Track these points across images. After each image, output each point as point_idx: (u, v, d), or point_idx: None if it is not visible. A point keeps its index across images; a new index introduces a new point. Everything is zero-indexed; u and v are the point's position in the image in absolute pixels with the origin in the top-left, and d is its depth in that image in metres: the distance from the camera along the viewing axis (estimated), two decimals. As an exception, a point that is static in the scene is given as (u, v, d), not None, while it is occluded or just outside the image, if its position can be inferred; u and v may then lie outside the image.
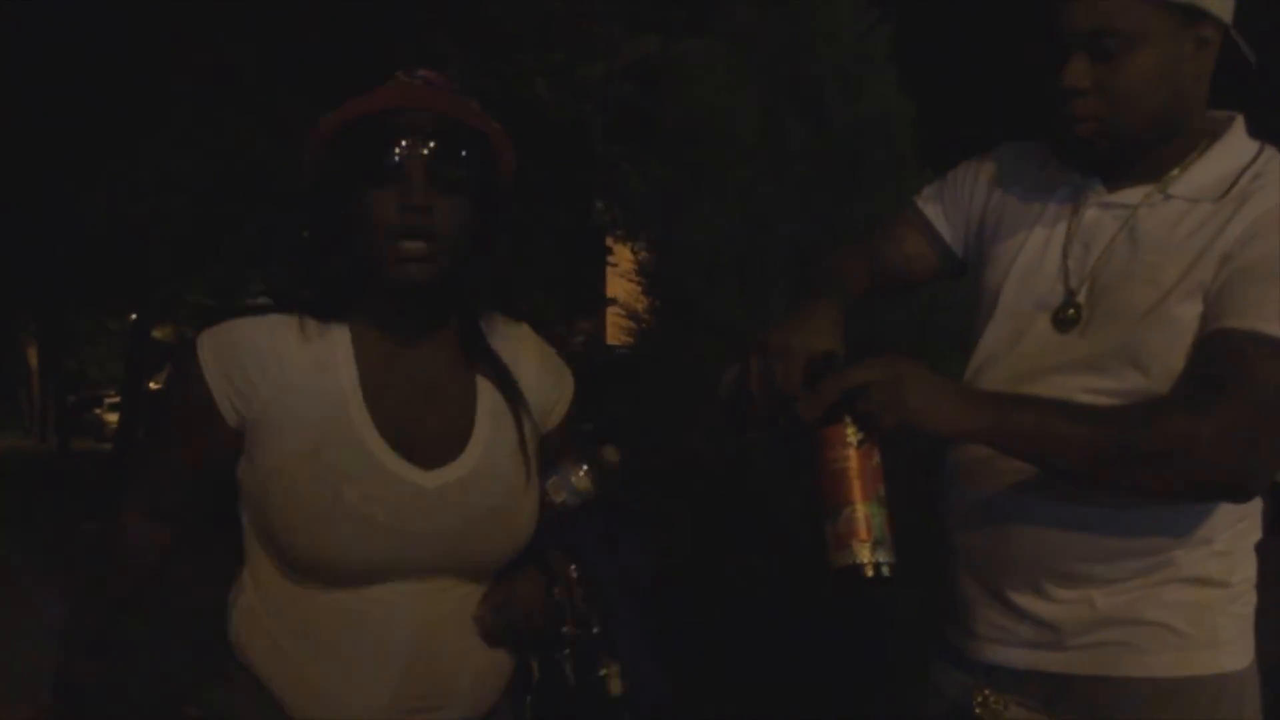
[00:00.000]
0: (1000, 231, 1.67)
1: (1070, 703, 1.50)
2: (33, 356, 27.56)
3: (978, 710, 1.56)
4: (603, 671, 1.59)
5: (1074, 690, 1.50)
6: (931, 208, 1.78)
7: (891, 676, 2.82)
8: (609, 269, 20.11)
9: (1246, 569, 1.53)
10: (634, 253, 3.50)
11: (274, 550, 1.55)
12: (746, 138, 3.23)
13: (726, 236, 3.18)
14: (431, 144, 1.49)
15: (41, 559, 9.70)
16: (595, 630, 1.60)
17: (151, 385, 22.73)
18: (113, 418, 30.06)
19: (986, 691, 1.56)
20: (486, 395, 1.62)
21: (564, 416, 1.73)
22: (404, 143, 1.48)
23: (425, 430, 1.55)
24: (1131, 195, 1.53)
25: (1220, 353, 1.39)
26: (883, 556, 1.32)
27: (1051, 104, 1.52)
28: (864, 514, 1.33)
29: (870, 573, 1.32)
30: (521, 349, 1.69)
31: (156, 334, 23.12)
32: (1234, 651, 1.49)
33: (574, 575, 1.62)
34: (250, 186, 7.54)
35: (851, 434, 1.35)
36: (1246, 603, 1.53)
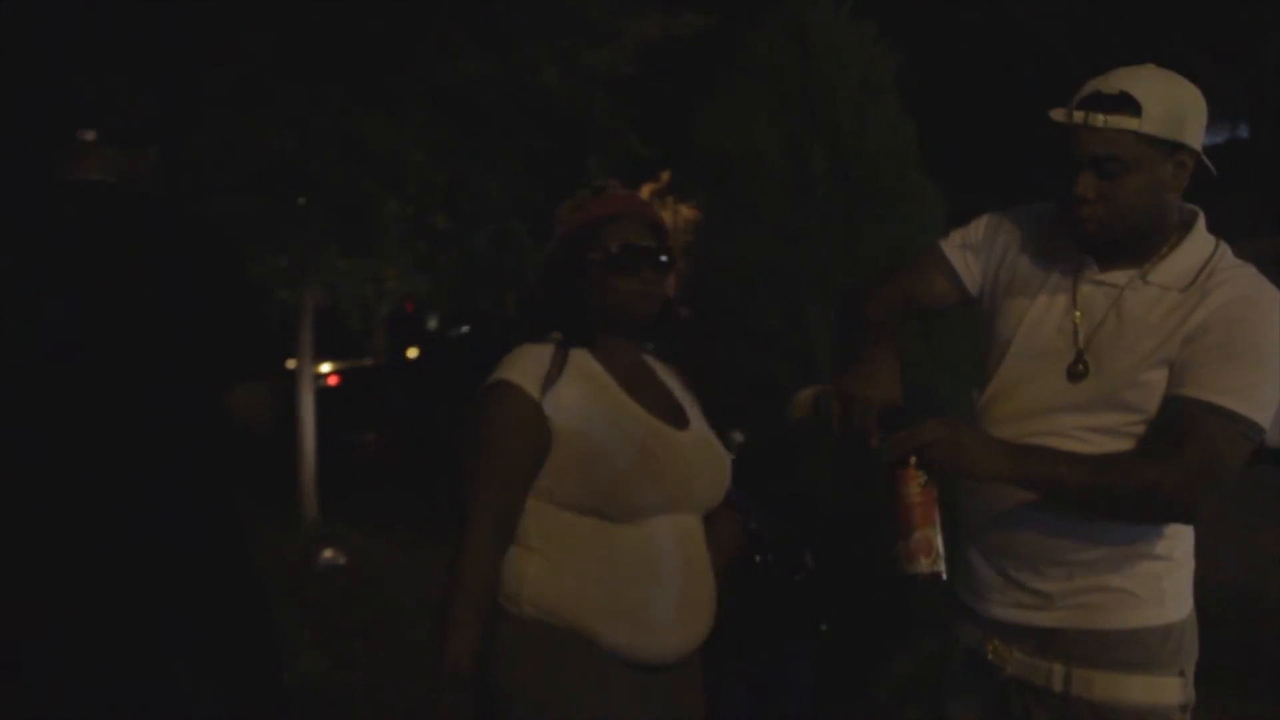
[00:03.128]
0: (1012, 289, 2.17)
1: (1057, 649, 2.04)
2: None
3: (990, 656, 2.11)
4: (800, 575, 2.24)
5: (1060, 639, 2.03)
6: (956, 255, 2.27)
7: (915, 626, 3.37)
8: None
9: (1186, 543, 2.06)
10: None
11: (591, 505, 2.02)
12: (773, 163, 3.69)
13: (759, 251, 3.65)
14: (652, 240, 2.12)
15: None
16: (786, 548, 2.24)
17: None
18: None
19: (996, 641, 2.10)
20: (674, 384, 2.25)
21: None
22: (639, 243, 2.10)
23: (663, 408, 2.14)
24: (1119, 277, 2.02)
25: (1180, 414, 1.91)
26: (938, 567, 1.87)
27: (1064, 206, 2.01)
28: (926, 536, 1.86)
29: (928, 577, 1.88)
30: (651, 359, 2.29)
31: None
32: (1177, 606, 2.03)
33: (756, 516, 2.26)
34: (284, 183, 7.87)
35: (919, 475, 1.87)
36: (1186, 568, 2.06)
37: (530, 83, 7.93)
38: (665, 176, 16.70)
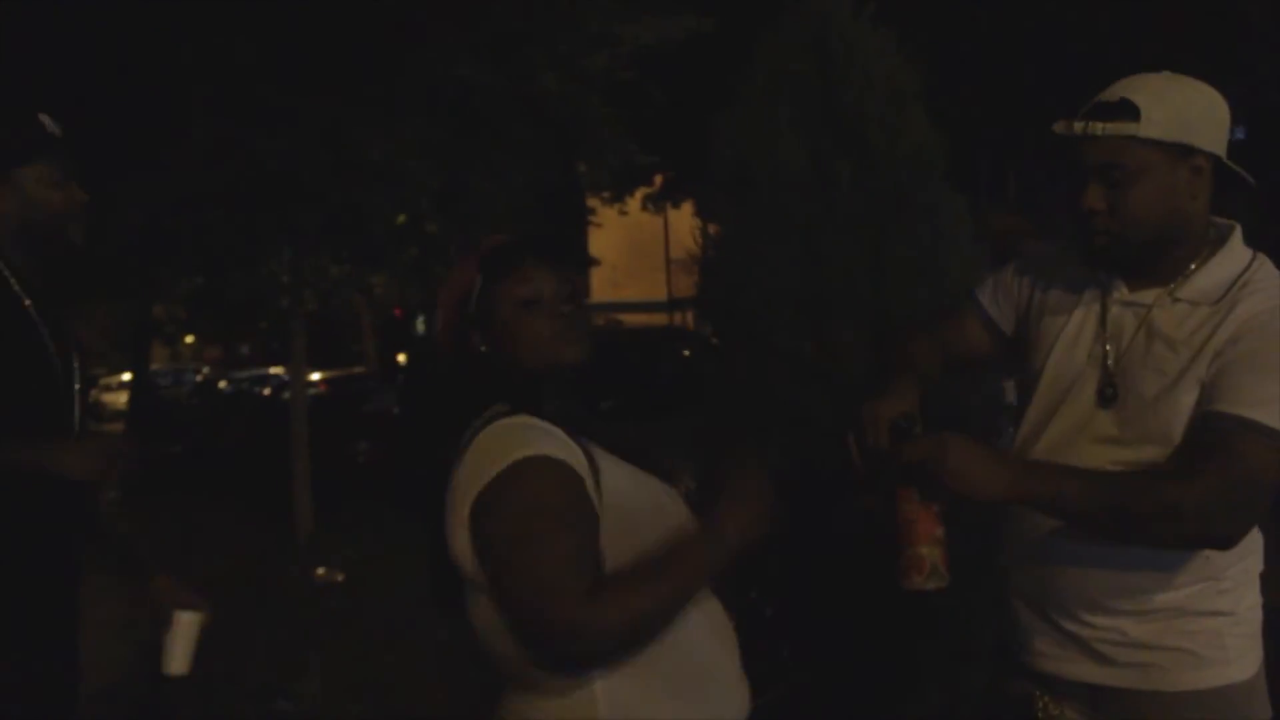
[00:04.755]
0: (1042, 320, 2.08)
1: (1112, 708, 1.91)
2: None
3: (1039, 714, 1.99)
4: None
5: (1114, 698, 1.91)
6: (987, 297, 2.21)
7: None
8: (591, 228, 20.27)
9: (1251, 597, 1.93)
10: (696, 283, 3.82)
11: None
12: (798, 176, 3.55)
13: (784, 268, 3.51)
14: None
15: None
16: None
17: (152, 365, 22.70)
18: (110, 398, 30.24)
19: (1046, 698, 1.98)
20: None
21: None
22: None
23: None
24: (1147, 296, 1.93)
25: (1209, 431, 1.79)
26: (934, 584, 1.82)
27: (1077, 221, 1.92)
28: (924, 554, 1.82)
29: (924, 592, 1.84)
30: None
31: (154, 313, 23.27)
32: (1242, 665, 1.90)
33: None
34: (274, 191, 7.75)
35: (917, 494, 1.81)
36: (1252, 622, 1.93)
37: (527, 88, 7.83)
38: (659, 181, 16.66)
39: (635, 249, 23.79)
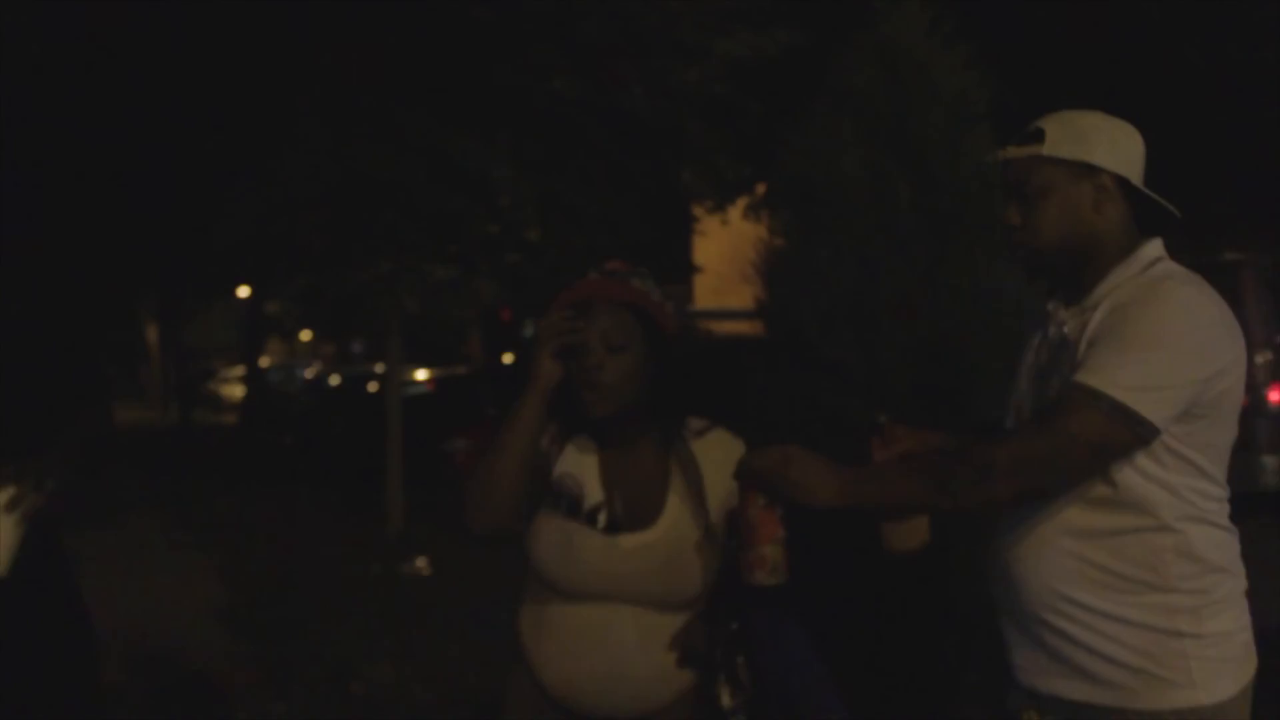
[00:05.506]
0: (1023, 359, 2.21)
1: None
2: (151, 332, 28.74)
3: None
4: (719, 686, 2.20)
5: (1091, 716, 1.94)
6: None
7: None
8: (695, 236, 20.31)
9: (1222, 621, 1.94)
10: (756, 298, 3.90)
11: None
12: (859, 193, 3.60)
13: (839, 282, 3.57)
14: (602, 321, 2.19)
15: (172, 531, 10.33)
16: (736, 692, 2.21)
17: (262, 360, 23.39)
18: (228, 390, 31.25)
19: (1033, 711, 2.04)
20: (678, 481, 2.24)
21: None
22: (584, 323, 2.19)
23: (629, 504, 2.23)
24: (1071, 312, 2.05)
25: (1057, 398, 1.92)
26: (773, 580, 2.01)
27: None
28: (763, 554, 2.00)
29: (765, 587, 2.01)
30: (709, 446, 2.28)
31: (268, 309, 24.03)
32: (1211, 689, 1.91)
33: (731, 644, 2.21)
34: (377, 199, 8.02)
35: (760, 498, 2.00)
36: (1223, 646, 1.93)
37: (619, 102, 7.97)
38: (761, 189, 16.67)
39: (738, 257, 23.78)
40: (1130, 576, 1.92)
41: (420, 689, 5.34)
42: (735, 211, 15.78)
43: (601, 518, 2.22)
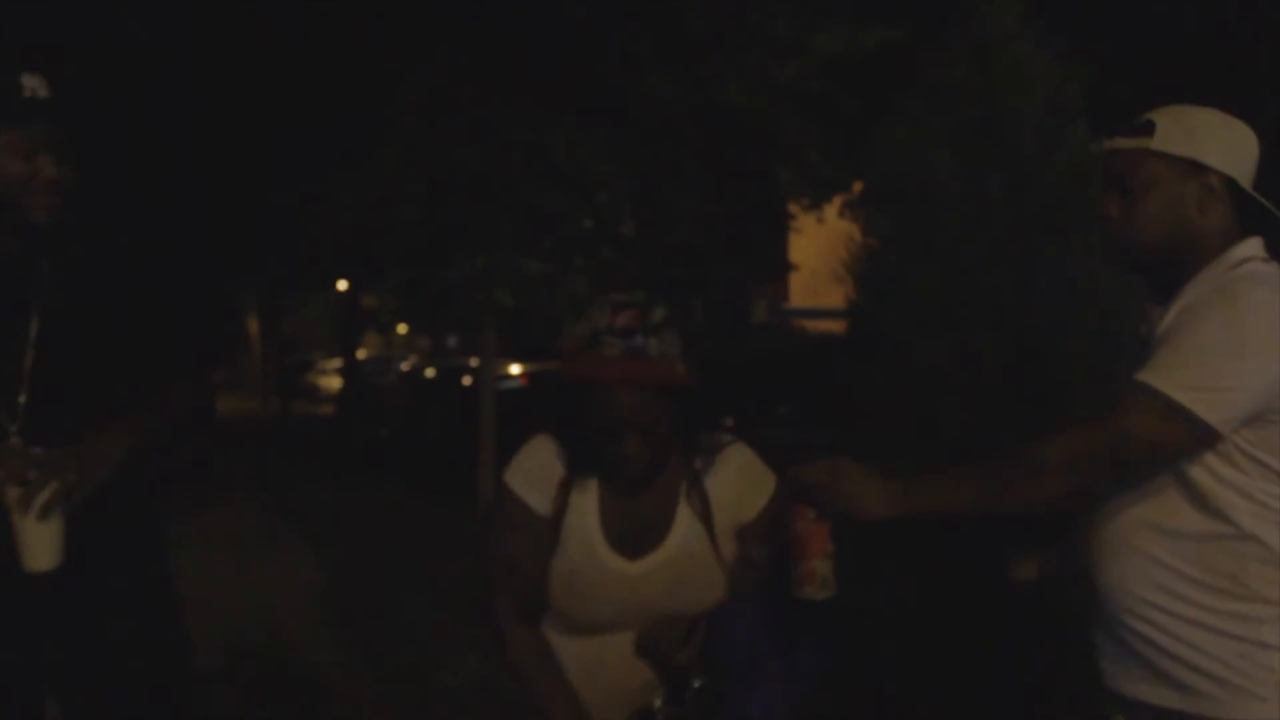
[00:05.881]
0: None
1: None
2: (252, 324, 29.42)
3: None
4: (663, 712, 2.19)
5: None
6: None
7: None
8: (791, 234, 20.22)
9: None
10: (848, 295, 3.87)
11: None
12: (950, 190, 3.56)
13: (931, 282, 3.53)
14: (624, 403, 2.05)
15: (271, 520, 10.54)
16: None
17: (359, 352, 23.71)
18: (325, 381, 31.88)
19: (1120, 716, 2.00)
20: (684, 504, 2.18)
21: (758, 514, 2.19)
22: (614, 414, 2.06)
23: (635, 529, 2.17)
24: (1159, 313, 1.97)
25: (1121, 396, 1.87)
26: (823, 594, 1.95)
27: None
28: (812, 568, 1.94)
29: (816, 602, 1.96)
30: (722, 464, 2.20)
31: (366, 302, 24.43)
32: None
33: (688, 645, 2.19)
34: (474, 194, 8.10)
35: (809, 512, 1.94)
36: None
37: (715, 98, 7.95)
38: (858, 188, 16.49)
39: (832, 256, 23.60)
40: (1210, 584, 1.87)
41: (508, 679, 5.37)
42: (831, 210, 15.68)
43: (612, 556, 2.18)
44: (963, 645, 3.17)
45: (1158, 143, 1.96)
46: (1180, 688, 1.89)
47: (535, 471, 2.19)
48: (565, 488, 2.18)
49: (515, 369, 19.54)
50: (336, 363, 27.29)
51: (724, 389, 10.71)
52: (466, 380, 18.39)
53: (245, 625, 5.96)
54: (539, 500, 2.17)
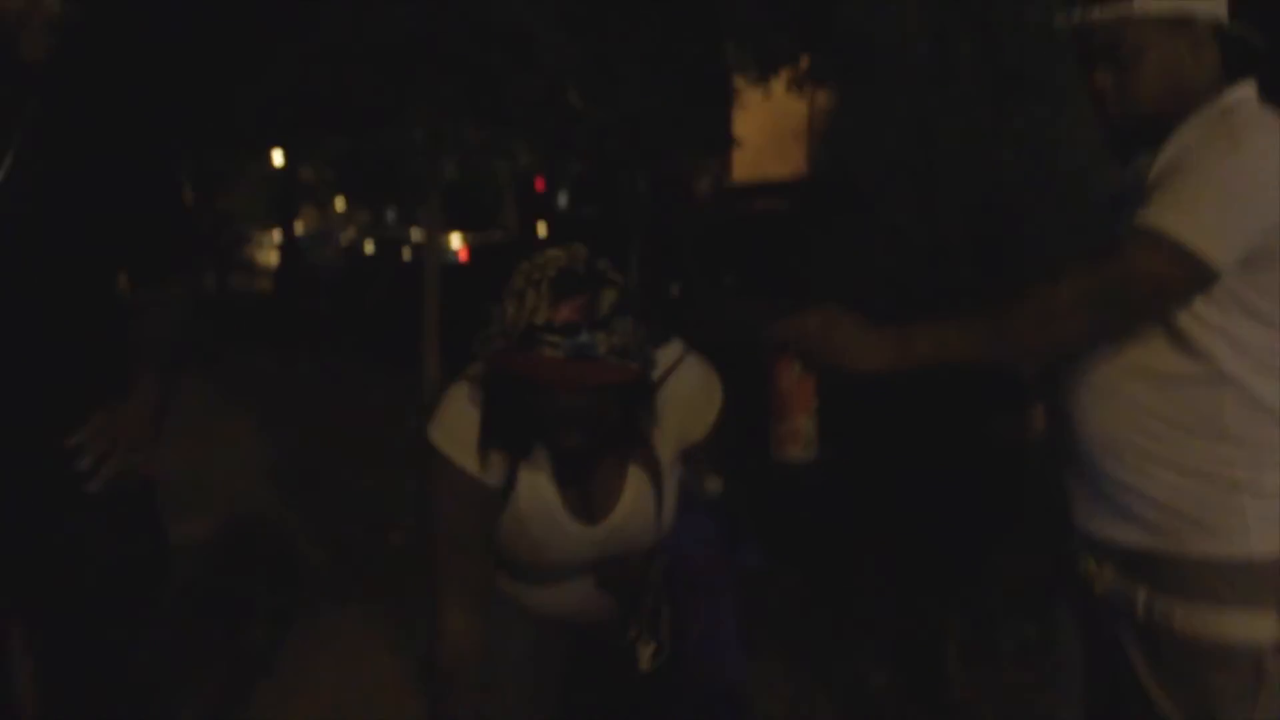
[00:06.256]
0: None
1: (1141, 572, 1.93)
2: (185, 198, 28.66)
3: (1088, 571, 2.02)
4: (639, 647, 2.18)
5: (1143, 563, 1.92)
6: None
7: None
8: (735, 109, 19.95)
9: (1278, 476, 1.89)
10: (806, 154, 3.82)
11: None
12: (918, 52, 3.50)
13: (895, 146, 3.49)
14: (566, 402, 1.88)
15: (215, 391, 10.46)
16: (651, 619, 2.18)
17: (296, 226, 23.26)
18: (262, 256, 31.37)
19: (1090, 558, 2.01)
20: (635, 467, 2.10)
21: (706, 432, 2.12)
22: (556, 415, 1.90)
23: (591, 494, 2.10)
24: (1146, 162, 1.91)
25: (1121, 238, 1.81)
26: (806, 455, 1.85)
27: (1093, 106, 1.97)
28: (796, 426, 1.84)
29: (799, 462, 1.86)
30: (674, 383, 2.07)
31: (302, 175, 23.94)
32: (1265, 541, 1.86)
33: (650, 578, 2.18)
34: (412, 54, 7.87)
35: (795, 366, 1.83)
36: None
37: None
38: (805, 63, 16.29)
39: (778, 130, 23.46)
40: (1187, 424, 1.88)
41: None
42: (778, 84, 15.45)
43: (574, 524, 2.11)
44: (932, 498, 3.23)
45: (1140, 4, 1.89)
46: (1148, 526, 1.91)
47: (464, 431, 2.02)
48: (512, 463, 2.03)
49: (456, 241, 19.26)
50: (275, 237, 26.79)
51: (671, 260, 10.69)
52: (406, 254, 18.17)
53: (195, 495, 5.94)
54: (473, 462, 2.00)
